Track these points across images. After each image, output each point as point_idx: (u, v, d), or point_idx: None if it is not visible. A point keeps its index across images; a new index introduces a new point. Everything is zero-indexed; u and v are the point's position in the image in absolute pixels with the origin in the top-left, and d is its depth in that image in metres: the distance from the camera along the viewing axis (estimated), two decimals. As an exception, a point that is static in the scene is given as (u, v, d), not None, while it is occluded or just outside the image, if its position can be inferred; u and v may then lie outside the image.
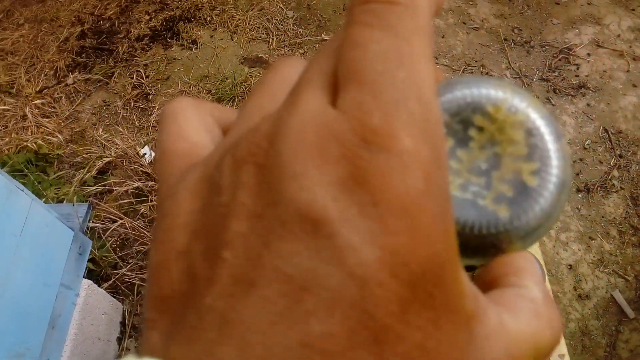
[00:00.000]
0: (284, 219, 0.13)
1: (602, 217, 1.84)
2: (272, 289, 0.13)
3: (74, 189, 1.67)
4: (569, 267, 1.74)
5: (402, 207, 0.13)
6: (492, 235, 0.19)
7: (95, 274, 1.60)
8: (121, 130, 1.95)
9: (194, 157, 0.18)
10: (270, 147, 0.14)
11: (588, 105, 2.11)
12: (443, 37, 2.34)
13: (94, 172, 1.76)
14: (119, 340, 1.56)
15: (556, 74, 2.21)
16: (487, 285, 0.19)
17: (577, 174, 1.94)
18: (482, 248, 0.20)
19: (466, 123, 0.21)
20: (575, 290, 1.71)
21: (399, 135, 0.13)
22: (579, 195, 1.89)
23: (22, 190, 1.20)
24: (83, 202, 1.66)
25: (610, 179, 1.93)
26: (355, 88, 0.14)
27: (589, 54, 2.27)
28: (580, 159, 1.98)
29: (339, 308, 0.12)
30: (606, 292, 1.71)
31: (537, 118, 0.21)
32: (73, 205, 1.41)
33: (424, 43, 0.15)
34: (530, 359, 0.16)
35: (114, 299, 1.55)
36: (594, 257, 1.76)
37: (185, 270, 0.15)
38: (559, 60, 2.25)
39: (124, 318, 1.58)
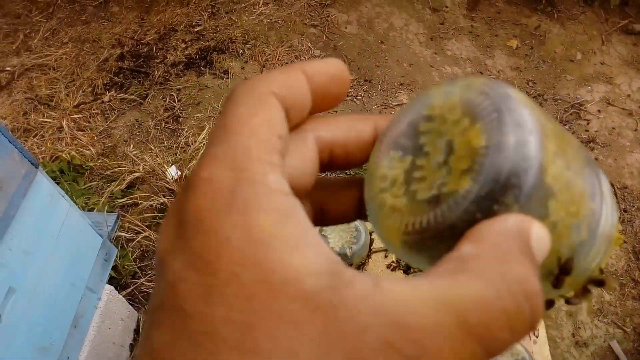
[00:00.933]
0: (156, 270, 0.18)
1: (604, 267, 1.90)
2: (147, 322, 0.17)
3: (105, 199, 1.78)
4: (568, 313, 1.79)
5: (194, 216, 0.16)
6: (466, 212, 0.18)
7: (115, 281, 1.68)
8: (151, 148, 2.07)
9: None
10: None
11: (596, 159, 2.20)
12: (460, 84, 2.46)
13: (124, 185, 1.87)
14: (131, 347, 1.63)
15: (567, 127, 2.30)
16: None
17: (582, 225, 2.01)
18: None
19: (415, 136, 0.21)
20: (574, 336, 1.75)
21: (199, 172, 0.17)
22: (583, 245, 1.95)
23: (63, 196, 1.30)
24: (110, 212, 1.76)
25: (613, 232, 1.99)
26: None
27: (599, 111, 2.37)
28: (586, 210, 2.05)
29: (163, 313, 0.16)
30: (604, 342, 1.75)
31: (467, 87, 0.20)
32: (104, 214, 1.51)
33: (249, 105, 0.19)
34: (455, 326, 0.14)
35: (131, 307, 1.63)
36: (593, 306, 1.81)
37: None
38: (570, 114, 2.35)
39: (138, 326, 1.66)
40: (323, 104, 0.22)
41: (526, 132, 0.18)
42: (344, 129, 0.23)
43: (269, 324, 0.14)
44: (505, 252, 0.17)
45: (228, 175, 0.17)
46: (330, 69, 0.21)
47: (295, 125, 0.21)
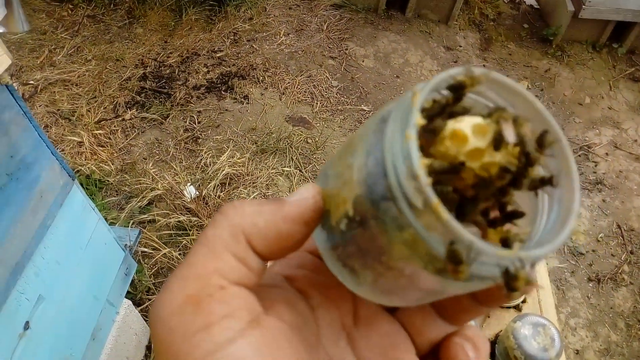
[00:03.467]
0: None
1: (611, 308, 1.92)
2: None
3: (126, 215, 1.81)
4: (575, 352, 1.80)
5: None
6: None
7: (131, 296, 1.70)
8: (173, 166, 2.11)
9: None
10: None
11: (603, 200, 2.25)
12: (472, 121, 2.53)
13: (145, 202, 1.90)
14: (143, 363, 1.64)
15: (575, 168, 2.36)
16: None
17: (590, 265, 2.04)
18: None
19: None
20: (581, 376, 1.76)
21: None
22: (590, 284, 1.98)
23: (93, 209, 1.34)
24: (127, 227, 1.79)
25: (620, 273, 2.02)
26: None
27: (607, 154, 2.43)
28: (593, 250, 2.08)
29: None
30: (610, 382, 1.76)
31: None
32: (128, 229, 1.54)
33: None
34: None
35: (144, 322, 1.64)
36: (600, 345, 1.83)
37: None
38: (579, 156, 2.42)
39: (150, 342, 1.67)
40: None
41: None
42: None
43: None
44: None
45: None
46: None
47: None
